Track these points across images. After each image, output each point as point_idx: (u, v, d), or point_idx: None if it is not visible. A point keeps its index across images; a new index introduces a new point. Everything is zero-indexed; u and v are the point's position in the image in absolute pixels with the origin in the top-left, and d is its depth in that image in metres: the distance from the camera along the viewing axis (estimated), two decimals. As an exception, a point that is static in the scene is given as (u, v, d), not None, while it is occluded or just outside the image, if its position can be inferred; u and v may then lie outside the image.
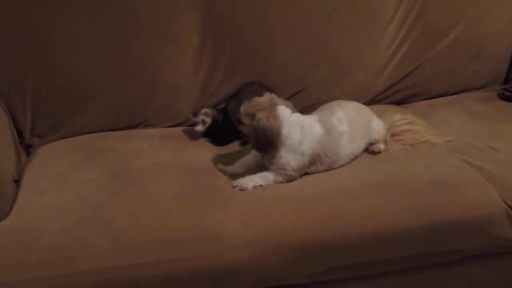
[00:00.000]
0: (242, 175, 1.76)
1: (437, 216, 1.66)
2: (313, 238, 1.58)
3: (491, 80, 2.43)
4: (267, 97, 1.73)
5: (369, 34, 2.21)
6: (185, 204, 1.63)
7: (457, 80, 2.38)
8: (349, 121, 1.81)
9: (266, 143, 1.67)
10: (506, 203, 1.70)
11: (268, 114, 1.66)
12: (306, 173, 1.78)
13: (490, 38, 2.34)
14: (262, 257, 1.54)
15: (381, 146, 1.90)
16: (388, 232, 1.62)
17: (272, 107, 1.69)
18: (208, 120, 2.00)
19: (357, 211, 1.64)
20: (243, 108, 1.71)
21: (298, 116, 1.77)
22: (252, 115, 1.68)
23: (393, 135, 1.96)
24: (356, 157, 1.85)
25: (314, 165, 1.76)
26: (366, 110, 1.93)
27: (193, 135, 2.02)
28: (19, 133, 2.00)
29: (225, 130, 2.01)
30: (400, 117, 2.03)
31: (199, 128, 1.99)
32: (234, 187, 1.71)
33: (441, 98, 2.37)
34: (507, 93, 2.33)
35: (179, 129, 2.11)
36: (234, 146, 2.00)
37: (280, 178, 1.73)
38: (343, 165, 1.82)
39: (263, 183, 1.72)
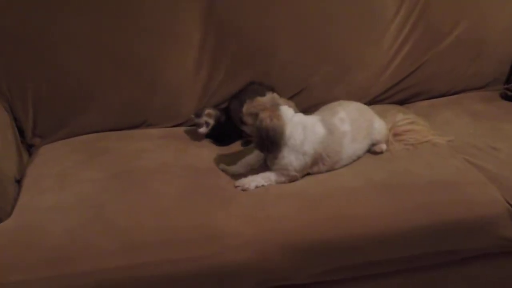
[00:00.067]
0: (244, 175, 1.76)
1: (439, 216, 1.66)
2: (315, 238, 1.58)
3: (493, 80, 2.43)
4: (269, 97, 1.73)
5: (370, 34, 2.21)
6: (187, 204, 1.63)
7: (459, 80, 2.38)
8: (351, 121, 1.81)
9: (269, 143, 1.67)
10: (508, 202, 1.70)
11: (271, 114, 1.66)
12: (308, 174, 1.78)
13: (492, 37, 2.34)
14: (264, 257, 1.54)
15: (383, 146, 1.90)
16: (390, 232, 1.62)
17: (275, 107, 1.69)
18: (212, 121, 2.00)
19: (359, 211, 1.64)
20: (245, 108, 1.71)
21: (300, 116, 1.77)
22: (255, 115, 1.68)
23: (395, 135, 1.96)
24: (358, 158, 1.85)
25: (316, 165, 1.76)
26: (368, 111, 1.93)
27: (195, 135, 2.02)
28: (21, 133, 2.00)
29: (228, 130, 2.01)
30: (402, 117, 2.03)
31: (203, 130, 1.99)
32: (236, 187, 1.72)
33: (442, 98, 2.37)
34: (509, 93, 2.33)
35: (181, 129, 2.11)
36: (236, 146, 2.00)
37: (283, 178, 1.73)
38: (345, 166, 1.82)
39: (265, 183, 1.72)
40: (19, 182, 1.78)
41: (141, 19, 1.98)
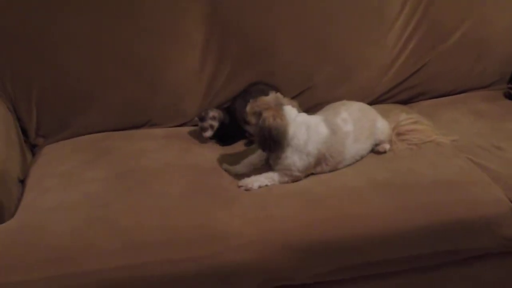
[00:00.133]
0: (248, 175, 1.76)
1: (442, 216, 1.65)
2: (318, 238, 1.57)
3: (497, 79, 2.42)
4: (273, 96, 1.73)
5: (374, 33, 2.21)
6: (190, 204, 1.63)
7: (463, 79, 2.38)
8: (354, 121, 1.81)
9: (272, 142, 1.66)
10: (512, 202, 1.70)
11: (274, 113, 1.66)
12: (312, 173, 1.77)
13: (496, 37, 2.33)
14: (266, 257, 1.54)
15: (386, 146, 1.90)
16: (394, 231, 1.62)
17: (279, 106, 1.69)
18: (216, 124, 1.99)
19: (362, 211, 1.64)
20: (249, 107, 1.71)
21: (304, 116, 1.77)
22: (259, 114, 1.68)
23: (398, 134, 1.95)
24: (361, 158, 1.85)
25: (320, 165, 1.76)
26: (370, 111, 1.93)
27: (198, 135, 2.01)
28: (24, 133, 2.00)
29: (231, 130, 2.01)
30: (405, 116, 2.03)
31: (208, 133, 1.97)
32: (239, 187, 1.72)
33: (446, 98, 2.37)
34: (513, 92, 2.33)
35: (184, 129, 2.11)
36: (240, 146, 2.00)
37: (286, 179, 1.73)
38: (348, 166, 1.82)
39: (269, 183, 1.72)
40: (22, 182, 1.79)
41: (142, 19, 1.98)
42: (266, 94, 1.74)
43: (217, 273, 1.52)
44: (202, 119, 1.97)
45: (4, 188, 1.64)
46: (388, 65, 2.26)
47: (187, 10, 2.01)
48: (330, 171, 1.79)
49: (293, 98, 2.03)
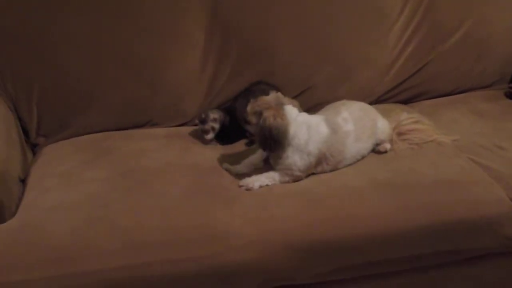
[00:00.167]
0: (248, 174, 1.76)
1: (444, 216, 1.65)
2: (319, 238, 1.57)
3: (498, 79, 2.42)
4: (273, 96, 1.73)
5: (374, 33, 2.21)
6: (190, 204, 1.63)
7: (464, 79, 2.37)
8: (354, 121, 1.81)
9: (272, 142, 1.66)
10: (513, 202, 1.70)
11: (275, 113, 1.65)
12: (312, 173, 1.77)
13: (497, 36, 2.33)
14: (268, 257, 1.54)
15: (387, 146, 1.90)
16: (395, 231, 1.62)
17: (279, 106, 1.69)
18: (217, 126, 1.98)
19: (363, 210, 1.64)
20: (249, 107, 1.71)
21: (304, 115, 1.76)
22: (259, 114, 1.67)
23: (399, 134, 1.95)
24: (362, 157, 1.85)
25: (320, 165, 1.76)
26: (371, 110, 1.93)
27: (199, 135, 2.01)
28: (25, 132, 2.00)
29: (232, 130, 2.01)
30: (406, 116, 2.03)
31: (210, 136, 1.96)
32: (240, 186, 1.71)
33: (447, 97, 2.36)
34: (514, 92, 2.33)
35: (185, 128, 2.10)
36: (240, 146, 2.00)
37: (287, 178, 1.73)
38: (349, 165, 1.81)
39: (269, 183, 1.72)
40: (23, 181, 1.79)
41: (142, 19, 1.98)
42: (267, 94, 1.74)
43: (217, 273, 1.52)
44: (203, 121, 1.96)
45: (5, 187, 1.63)
46: (388, 65, 2.26)
47: (187, 10, 2.01)
48: (331, 170, 1.78)
49: (294, 97, 2.03)
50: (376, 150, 1.90)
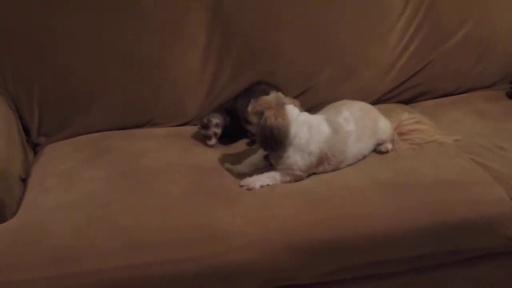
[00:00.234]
0: (249, 174, 1.76)
1: (444, 216, 1.65)
2: (320, 238, 1.57)
3: (499, 79, 2.41)
4: (274, 96, 1.73)
5: (376, 33, 2.20)
6: (191, 204, 1.63)
7: (465, 79, 2.37)
8: (355, 120, 1.81)
9: (273, 142, 1.66)
10: (514, 202, 1.70)
11: (276, 112, 1.65)
12: (314, 173, 1.77)
13: (498, 36, 2.33)
14: (268, 257, 1.54)
15: (388, 146, 1.90)
16: (396, 231, 1.62)
17: (280, 105, 1.69)
18: (219, 131, 1.97)
19: (364, 210, 1.64)
20: (250, 107, 1.71)
21: (305, 115, 1.76)
22: (260, 114, 1.67)
23: (400, 134, 1.95)
24: (363, 157, 1.85)
25: (322, 165, 1.76)
26: (372, 110, 1.93)
27: (200, 138, 2.00)
28: (26, 132, 2.00)
29: (233, 130, 2.01)
30: (407, 116, 2.02)
31: (212, 142, 1.95)
32: (241, 186, 1.71)
33: (448, 97, 2.36)
34: (516, 92, 2.32)
35: (185, 128, 2.10)
36: (241, 146, 2.00)
37: (288, 178, 1.73)
38: (350, 165, 1.81)
39: (270, 183, 1.72)
40: (24, 181, 1.79)
41: (143, 19, 1.98)
42: (267, 94, 1.74)
43: (218, 273, 1.51)
44: (206, 126, 1.95)
45: (6, 187, 1.64)
46: (390, 64, 2.25)
47: (188, 10, 2.01)
48: (332, 170, 1.78)
49: (295, 97, 2.03)
50: (377, 150, 1.90)
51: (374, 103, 2.14)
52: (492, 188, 1.73)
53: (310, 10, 2.10)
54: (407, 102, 2.34)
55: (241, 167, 1.81)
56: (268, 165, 1.79)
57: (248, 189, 1.70)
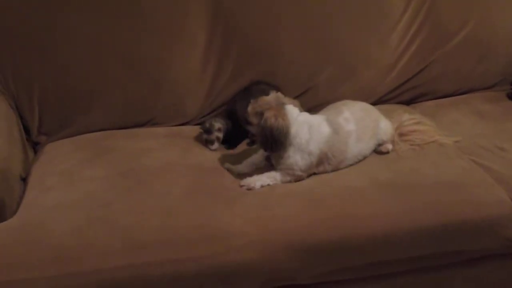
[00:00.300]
0: (250, 174, 1.76)
1: (444, 217, 1.65)
2: (321, 238, 1.57)
3: (500, 80, 2.41)
4: (274, 96, 1.72)
5: (377, 33, 2.20)
6: (191, 204, 1.62)
7: (466, 80, 2.37)
8: (356, 121, 1.81)
9: (273, 142, 1.66)
10: (514, 203, 1.69)
11: (276, 113, 1.65)
12: (314, 173, 1.77)
13: (499, 37, 2.33)
14: (269, 257, 1.54)
15: (389, 146, 1.90)
16: (396, 232, 1.62)
17: (280, 106, 1.69)
18: (222, 136, 1.96)
19: (364, 211, 1.63)
20: (250, 108, 1.71)
21: (306, 115, 1.76)
22: (260, 114, 1.67)
23: (401, 135, 1.95)
24: (364, 157, 1.85)
25: (322, 165, 1.76)
26: (373, 110, 1.93)
27: (201, 140, 1.99)
28: (27, 131, 2.00)
29: (233, 132, 2.01)
30: (408, 117, 2.02)
31: (215, 146, 1.94)
32: (241, 186, 1.71)
33: (449, 98, 2.36)
34: (516, 93, 2.32)
35: (186, 128, 2.10)
36: (242, 146, 2.00)
37: (288, 178, 1.73)
38: (350, 165, 1.81)
39: (271, 183, 1.72)
40: (24, 180, 1.79)
41: (144, 19, 1.99)
42: (267, 94, 1.74)
43: (218, 273, 1.51)
44: (208, 131, 1.94)
45: (7, 185, 1.64)
46: (391, 65, 2.25)
47: (188, 10, 2.01)
48: (333, 170, 1.78)
49: (295, 97, 2.03)
50: (377, 151, 1.90)
51: (374, 103, 2.14)
52: (493, 189, 1.73)
53: (310, 10, 2.10)
54: (408, 102, 2.34)
55: (241, 167, 1.81)
56: (269, 165, 1.79)
57: (248, 189, 1.70)
